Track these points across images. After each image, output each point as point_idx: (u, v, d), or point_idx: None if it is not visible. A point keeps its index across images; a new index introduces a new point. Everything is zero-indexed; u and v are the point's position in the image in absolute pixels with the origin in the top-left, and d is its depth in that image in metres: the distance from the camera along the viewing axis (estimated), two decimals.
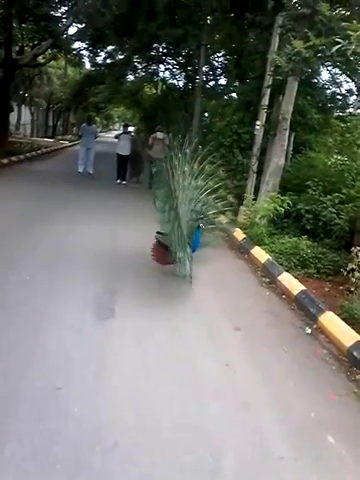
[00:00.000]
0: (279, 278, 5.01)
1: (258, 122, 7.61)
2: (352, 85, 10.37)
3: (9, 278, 4.30)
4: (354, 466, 2.40)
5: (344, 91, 10.63)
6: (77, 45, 19.79)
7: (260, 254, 5.76)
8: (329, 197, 6.20)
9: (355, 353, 3.41)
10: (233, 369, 3.19)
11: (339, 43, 4.90)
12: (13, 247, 5.21)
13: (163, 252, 4.71)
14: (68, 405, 2.58)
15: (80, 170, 12.45)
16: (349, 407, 2.91)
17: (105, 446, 2.31)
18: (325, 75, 22.07)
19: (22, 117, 27.04)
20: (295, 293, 4.57)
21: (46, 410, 2.52)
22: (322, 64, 9.00)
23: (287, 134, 7.20)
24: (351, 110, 10.32)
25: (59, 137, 29.25)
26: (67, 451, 2.24)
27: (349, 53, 4.85)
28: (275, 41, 7.45)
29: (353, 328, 3.73)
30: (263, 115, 7.56)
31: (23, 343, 3.19)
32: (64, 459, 2.19)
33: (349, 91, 10.56)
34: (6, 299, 3.85)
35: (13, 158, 13.61)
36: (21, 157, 14.45)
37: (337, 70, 10.18)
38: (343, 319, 3.91)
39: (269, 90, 7.54)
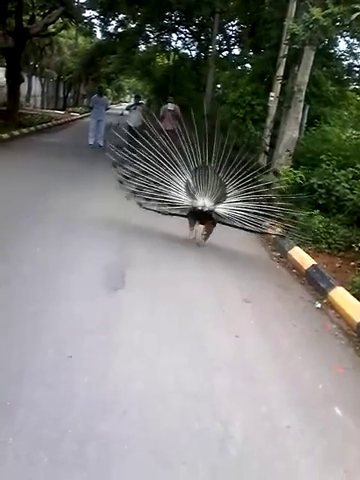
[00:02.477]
0: (290, 252, 4.99)
1: (272, 93, 7.46)
2: None
3: (19, 250, 4.33)
4: None
5: None
6: (88, 13, 19.33)
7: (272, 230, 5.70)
8: (343, 172, 6.08)
9: None
10: (242, 341, 3.21)
11: (358, 10, 4.71)
12: (22, 220, 5.22)
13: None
14: (78, 374, 2.63)
15: (91, 142, 12.37)
16: (357, 381, 2.93)
17: (115, 414, 2.35)
18: (342, 45, 21.35)
19: (32, 88, 26.79)
20: (306, 267, 4.55)
21: (57, 378, 2.56)
22: (339, 34, 8.71)
23: (302, 106, 7.04)
24: None
25: (70, 109, 28.94)
26: (78, 418, 2.29)
27: None
28: (292, 8, 7.22)
29: None
30: (278, 86, 7.41)
31: (34, 313, 3.22)
32: (75, 425, 2.23)
33: None
34: (17, 270, 3.88)
35: (24, 130, 13.52)
36: (32, 129, 14.37)
37: (355, 40, 9.84)
38: (353, 295, 3.90)
39: (284, 60, 7.33)
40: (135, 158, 5.11)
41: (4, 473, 1.95)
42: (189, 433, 2.29)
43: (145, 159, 5.07)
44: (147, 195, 5.13)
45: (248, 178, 4.86)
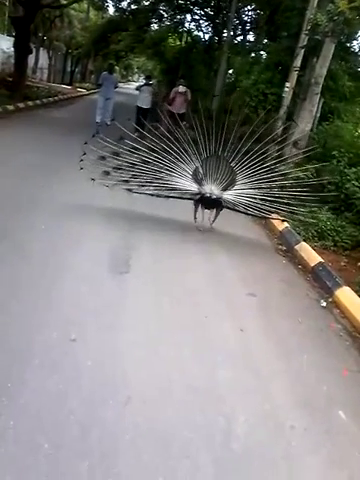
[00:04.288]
0: (296, 247, 4.93)
1: (288, 84, 7.31)
2: None
3: (23, 230, 4.24)
4: None
5: None
6: None
7: (278, 221, 5.64)
8: (354, 169, 6.00)
9: None
10: (247, 335, 3.17)
11: None
12: (27, 198, 5.10)
13: None
14: (82, 357, 2.59)
15: (98, 120, 12.13)
16: None
17: (118, 400, 2.31)
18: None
19: (40, 60, 26.18)
20: (312, 264, 4.50)
21: (60, 362, 2.52)
22: None
23: (317, 99, 6.91)
24: None
25: (77, 84, 28.47)
26: (81, 403, 2.25)
27: None
28: None
29: None
30: (294, 77, 7.25)
31: (39, 294, 3.17)
32: (78, 411, 2.20)
33: None
34: (21, 249, 3.80)
35: (29, 103, 13.26)
36: (37, 102, 14.09)
37: None
38: None
39: (303, 51, 7.16)
40: (138, 148, 4.99)
41: (4, 457, 1.91)
42: (192, 426, 2.26)
43: (151, 149, 4.98)
44: (142, 182, 5.04)
45: (264, 167, 4.89)
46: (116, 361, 2.62)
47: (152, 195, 5.09)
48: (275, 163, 4.95)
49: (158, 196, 5.09)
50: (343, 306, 3.80)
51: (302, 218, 5.03)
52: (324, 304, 3.91)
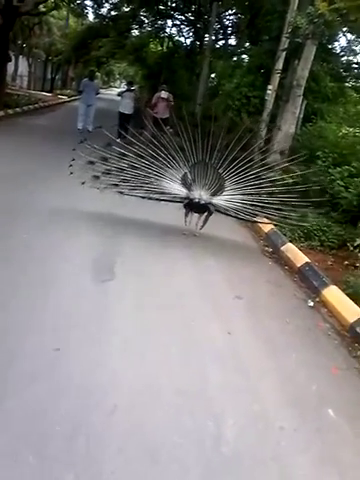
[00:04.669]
0: (282, 248, 4.93)
1: (270, 86, 7.34)
2: None
3: (6, 236, 4.15)
4: (354, 441, 2.37)
5: None
6: None
7: (263, 223, 5.64)
8: (338, 169, 6.03)
9: (358, 329, 3.36)
10: (235, 337, 3.14)
11: None
12: (8, 206, 4.99)
13: None
14: (66, 366, 2.51)
15: (79, 127, 12.04)
16: (351, 383, 2.88)
17: (105, 409, 2.25)
18: (342, 41, 21.26)
19: (19, 68, 25.99)
20: (298, 265, 4.49)
21: (44, 371, 2.44)
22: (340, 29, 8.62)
23: (300, 101, 6.95)
24: None
25: (57, 91, 28.23)
26: (66, 413, 2.18)
27: None
28: (295, 0, 7.08)
29: (357, 304, 3.67)
30: (276, 79, 7.29)
31: (22, 302, 3.09)
32: (63, 421, 2.13)
33: None
34: (3, 257, 3.71)
35: (9, 111, 13.09)
36: (18, 110, 13.92)
37: (354, 37, 9.76)
38: (347, 294, 3.85)
39: (284, 53, 7.21)
40: (125, 154, 4.97)
41: None
42: (181, 430, 2.21)
43: (139, 155, 4.96)
44: (132, 186, 5.02)
45: (251, 174, 4.86)
46: (102, 369, 2.56)
47: (143, 198, 5.07)
48: (262, 170, 4.93)
49: (149, 199, 5.07)
50: (330, 305, 3.80)
51: (295, 222, 4.98)
52: (311, 304, 3.90)
